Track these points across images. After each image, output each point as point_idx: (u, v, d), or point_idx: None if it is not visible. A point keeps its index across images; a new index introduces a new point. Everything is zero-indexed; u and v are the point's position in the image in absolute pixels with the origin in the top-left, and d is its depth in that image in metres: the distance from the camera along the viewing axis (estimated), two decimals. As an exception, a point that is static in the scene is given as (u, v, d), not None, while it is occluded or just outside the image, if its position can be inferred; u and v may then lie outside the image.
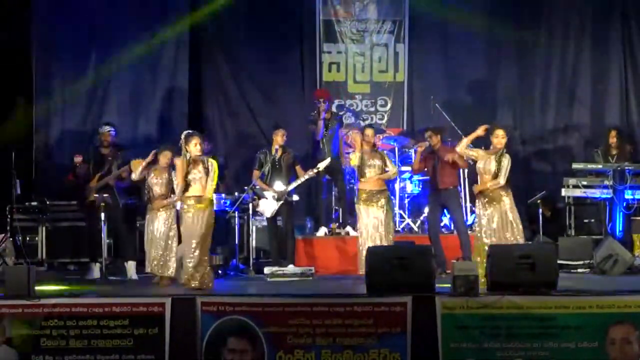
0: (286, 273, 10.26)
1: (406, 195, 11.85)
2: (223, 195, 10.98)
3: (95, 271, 10.44)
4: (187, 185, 9.07)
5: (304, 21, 13.11)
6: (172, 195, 9.76)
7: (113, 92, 12.71)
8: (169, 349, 8.04)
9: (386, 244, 9.75)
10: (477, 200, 9.31)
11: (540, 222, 11.29)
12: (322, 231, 11.47)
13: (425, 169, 10.80)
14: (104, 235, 10.30)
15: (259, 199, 10.70)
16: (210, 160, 9.22)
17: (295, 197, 11.02)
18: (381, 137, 12.48)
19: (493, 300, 7.96)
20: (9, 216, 11.16)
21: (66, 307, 8.18)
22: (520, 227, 9.17)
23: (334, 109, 12.56)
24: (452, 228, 11.05)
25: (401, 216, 11.69)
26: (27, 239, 11.39)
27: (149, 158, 9.96)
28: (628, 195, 11.00)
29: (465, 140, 9.48)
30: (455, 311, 7.95)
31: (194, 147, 9.04)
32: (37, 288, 8.33)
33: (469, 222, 11.08)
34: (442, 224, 11.11)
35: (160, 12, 12.73)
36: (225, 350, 8.05)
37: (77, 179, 10.88)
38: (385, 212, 9.94)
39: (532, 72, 13.05)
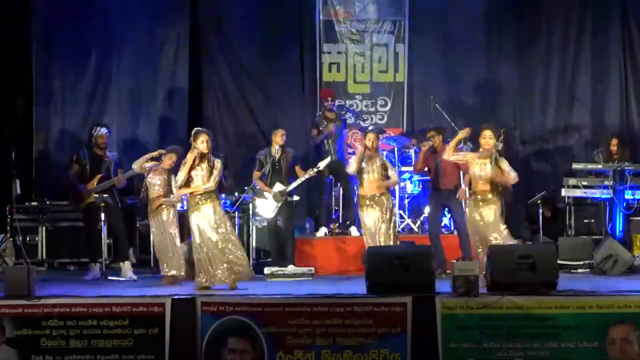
0: (286, 273, 10.27)
1: (406, 195, 11.85)
2: (223, 195, 10.98)
3: (95, 271, 10.43)
4: (188, 181, 9.12)
5: (304, 21, 13.11)
6: (171, 196, 9.80)
7: (113, 92, 12.71)
8: (169, 349, 8.04)
9: (384, 243, 9.69)
10: (467, 201, 9.31)
11: (541, 222, 11.29)
12: (322, 231, 11.47)
13: (427, 169, 10.80)
14: (104, 235, 10.30)
15: (259, 199, 10.69)
16: (217, 160, 9.26)
17: (296, 197, 11.03)
18: (381, 137, 12.48)
19: (493, 301, 7.96)
20: (9, 216, 11.16)
21: (66, 307, 8.17)
22: (503, 232, 9.14)
23: (334, 109, 12.59)
24: (453, 228, 11.06)
25: (401, 216, 11.69)
26: (27, 239, 11.38)
27: (154, 153, 9.95)
28: (628, 195, 11.00)
29: (449, 148, 9.47)
30: (455, 311, 7.95)
31: (201, 143, 9.10)
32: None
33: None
34: (442, 224, 11.11)
35: (160, 12, 12.72)
36: (225, 351, 8.01)
37: (69, 180, 10.83)
38: (389, 213, 9.83)
39: (532, 72, 13.05)
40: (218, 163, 9.20)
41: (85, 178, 10.54)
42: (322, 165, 10.77)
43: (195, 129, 9.32)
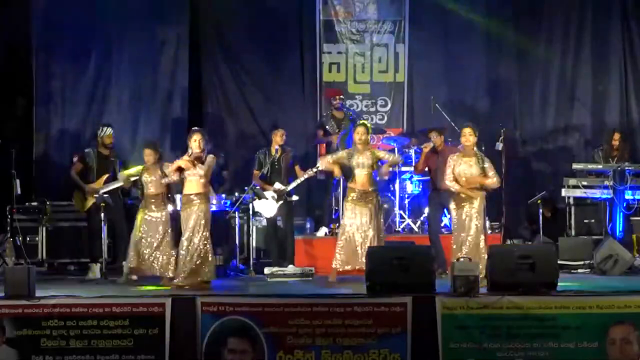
0: (286, 273, 10.26)
1: (406, 195, 11.85)
2: (223, 195, 10.99)
3: (96, 271, 10.43)
4: (183, 182, 9.20)
5: (304, 21, 13.11)
6: (168, 195, 9.85)
7: (113, 92, 12.71)
8: (169, 349, 8.04)
9: (377, 244, 9.68)
10: (452, 200, 9.37)
11: (541, 222, 11.28)
12: (322, 231, 11.47)
13: (428, 169, 10.80)
14: (104, 235, 10.31)
15: (259, 199, 10.69)
16: (209, 155, 9.35)
17: (295, 197, 11.03)
18: (381, 137, 12.49)
19: (493, 301, 7.96)
20: (9, 216, 11.16)
21: (66, 307, 8.17)
22: (483, 229, 9.27)
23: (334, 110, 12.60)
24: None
25: (401, 216, 11.69)
26: (27, 239, 11.38)
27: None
28: (628, 195, 11.00)
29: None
30: (455, 311, 7.95)
31: (193, 142, 9.23)
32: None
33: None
34: (442, 224, 11.12)
35: (160, 12, 12.72)
36: (225, 351, 8.05)
37: (72, 180, 10.85)
38: (375, 211, 9.82)
39: (532, 72, 13.06)
40: (209, 158, 9.30)
41: (90, 177, 10.57)
42: (321, 165, 10.78)
43: (192, 128, 9.44)
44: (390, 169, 10.24)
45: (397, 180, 11.66)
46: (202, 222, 9.18)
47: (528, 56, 13.02)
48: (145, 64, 12.76)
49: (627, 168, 11.02)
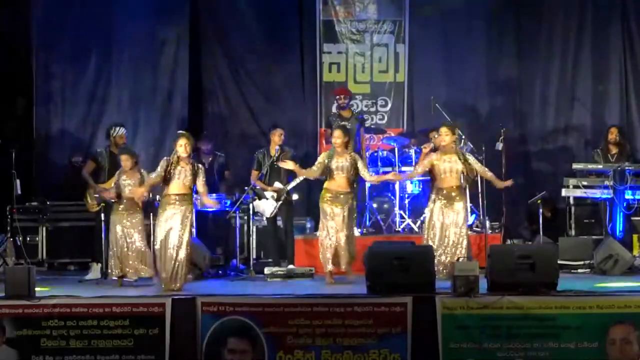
0: (286, 273, 10.26)
1: (406, 195, 11.84)
2: (223, 195, 10.99)
3: (96, 271, 10.43)
4: (168, 182, 9.17)
5: (304, 21, 13.10)
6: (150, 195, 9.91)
7: (113, 92, 12.71)
8: (169, 349, 8.05)
9: (346, 247, 9.70)
10: (434, 197, 9.42)
11: (541, 222, 11.28)
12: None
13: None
14: (104, 235, 10.30)
15: (259, 199, 10.69)
16: (199, 165, 9.44)
17: (295, 197, 11.03)
18: (381, 137, 12.49)
19: (493, 301, 7.97)
20: (9, 216, 11.16)
21: (66, 307, 8.19)
22: (462, 230, 9.41)
23: (334, 109, 12.59)
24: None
25: (401, 216, 11.69)
26: (27, 239, 11.38)
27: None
28: (628, 195, 10.99)
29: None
30: (455, 311, 7.96)
31: (179, 147, 9.21)
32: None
33: (469, 222, 11.09)
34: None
35: (160, 11, 12.72)
36: (225, 351, 8.06)
37: (84, 179, 10.85)
38: (349, 213, 9.79)
39: (532, 72, 13.04)
40: (201, 169, 9.37)
41: (102, 177, 10.58)
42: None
43: (178, 131, 9.47)
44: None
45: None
46: (188, 224, 9.20)
47: (528, 56, 13.01)
48: (145, 64, 12.76)
49: (627, 168, 11.02)
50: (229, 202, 10.88)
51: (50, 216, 11.60)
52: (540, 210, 11.35)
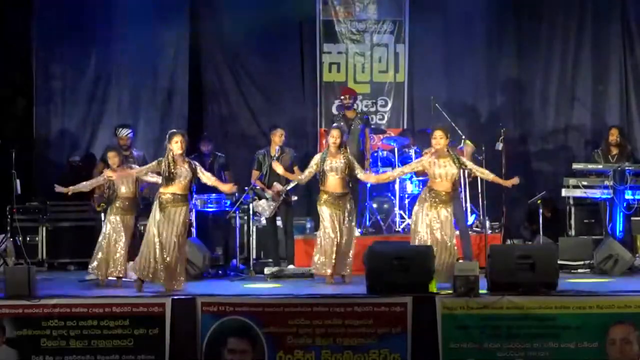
0: (286, 273, 10.26)
1: (406, 195, 11.84)
2: (224, 195, 10.99)
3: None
4: (168, 182, 9.15)
5: (304, 21, 13.10)
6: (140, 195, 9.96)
7: (113, 92, 12.71)
8: (169, 350, 8.06)
9: (347, 248, 9.70)
10: (424, 199, 9.30)
11: (541, 222, 11.28)
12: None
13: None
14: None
15: (259, 199, 10.69)
16: (195, 162, 9.42)
17: (294, 197, 11.03)
18: (381, 137, 12.49)
19: (493, 301, 7.97)
20: (9, 216, 11.16)
21: (66, 307, 8.19)
22: (453, 233, 9.31)
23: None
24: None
25: (401, 216, 11.69)
26: (27, 239, 11.38)
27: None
28: (628, 195, 10.99)
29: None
30: (455, 311, 7.96)
31: (175, 144, 9.18)
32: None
33: (469, 223, 11.10)
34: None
35: (160, 12, 12.71)
36: (225, 351, 8.07)
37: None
38: (346, 215, 9.76)
39: (532, 72, 13.04)
40: (198, 165, 9.37)
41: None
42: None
43: (170, 131, 9.44)
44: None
45: (397, 180, 11.64)
46: (185, 224, 9.21)
47: (528, 56, 13.01)
48: (146, 64, 12.76)
49: (627, 168, 11.02)
50: (229, 202, 10.88)
51: (50, 216, 11.60)
52: (540, 210, 11.35)
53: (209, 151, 11.59)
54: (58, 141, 12.65)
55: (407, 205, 11.83)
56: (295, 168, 10.90)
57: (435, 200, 9.18)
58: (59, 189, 9.94)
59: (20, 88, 12.58)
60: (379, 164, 11.87)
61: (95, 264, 9.68)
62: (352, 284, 9.36)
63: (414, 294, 8.05)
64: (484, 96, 13.05)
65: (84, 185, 10.00)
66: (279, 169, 10.16)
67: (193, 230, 10.63)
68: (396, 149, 11.91)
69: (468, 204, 11.42)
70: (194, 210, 10.53)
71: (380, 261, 8.40)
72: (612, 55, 12.93)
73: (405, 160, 11.96)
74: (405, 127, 12.94)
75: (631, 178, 10.98)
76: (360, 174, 9.95)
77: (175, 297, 8.28)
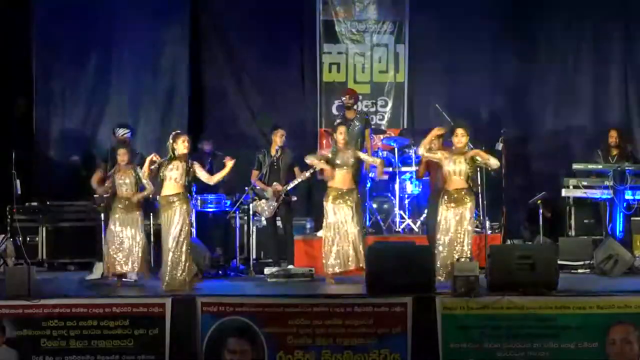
0: (286, 273, 10.26)
1: (406, 195, 11.84)
2: (224, 195, 10.99)
3: (98, 271, 10.43)
4: (162, 183, 9.20)
5: (304, 21, 13.10)
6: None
7: (113, 93, 12.70)
8: (169, 350, 8.07)
9: (359, 243, 9.67)
10: (440, 199, 9.33)
11: (541, 222, 11.28)
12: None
13: (428, 171, 10.78)
14: (104, 235, 10.30)
15: (259, 199, 10.70)
16: (194, 162, 9.43)
17: (294, 198, 11.02)
18: (381, 137, 12.48)
19: (493, 301, 7.98)
20: (9, 216, 11.16)
21: (66, 308, 8.20)
22: (471, 232, 9.29)
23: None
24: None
25: (401, 216, 11.69)
26: (28, 239, 11.38)
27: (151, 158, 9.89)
28: (628, 195, 10.99)
29: (425, 142, 9.56)
30: (455, 311, 7.97)
31: (182, 143, 9.24)
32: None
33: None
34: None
35: (160, 12, 12.71)
36: (225, 351, 8.06)
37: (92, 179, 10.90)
38: (355, 210, 9.82)
39: (532, 72, 13.04)
40: (196, 164, 9.39)
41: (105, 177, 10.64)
42: (319, 165, 10.79)
43: (175, 131, 9.51)
44: (384, 168, 10.45)
45: (397, 181, 11.65)
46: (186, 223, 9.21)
47: (528, 56, 13.00)
48: (145, 64, 12.75)
49: (627, 168, 11.02)
50: (229, 202, 10.87)
51: (50, 216, 11.59)
52: (540, 211, 11.35)
53: (209, 151, 11.59)
54: (58, 141, 12.64)
55: (407, 206, 11.83)
56: (296, 168, 10.91)
57: (452, 201, 9.22)
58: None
59: (20, 88, 12.57)
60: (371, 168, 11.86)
61: (104, 263, 9.71)
62: (352, 284, 9.36)
63: (414, 294, 8.05)
64: (484, 96, 13.04)
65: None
66: (320, 164, 10.06)
67: (193, 230, 10.63)
68: (396, 149, 11.91)
69: (474, 206, 11.38)
70: (194, 210, 10.52)
71: (380, 261, 8.40)
72: (612, 55, 12.92)
73: (405, 160, 11.97)
74: (405, 127, 12.94)
75: (631, 178, 10.98)
76: (373, 159, 10.10)
77: (175, 297, 8.29)
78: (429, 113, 12.23)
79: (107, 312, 8.15)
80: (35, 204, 11.65)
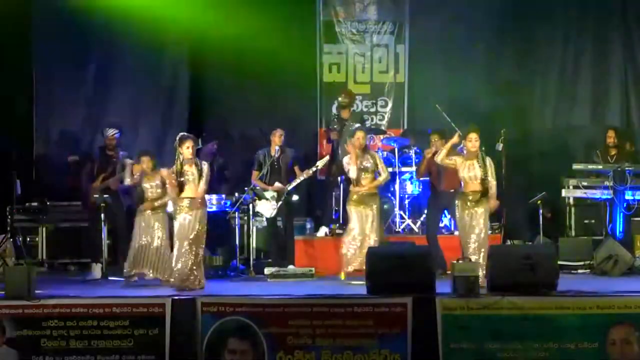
0: (286, 273, 10.27)
1: (406, 195, 11.84)
2: (223, 195, 11.00)
3: (96, 272, 10.44)
4: (180, 187, 9.17)
5: (304, 21, 13.10)
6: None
7: (113, 93, 12.71)
8: (169, 350, 8.06)
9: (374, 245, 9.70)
10: (458, 202, 9.36)
11: (541, 222, 11.28)
12: (322, 231, 11.46)
13: (428, 172, 10.79)
14: (104, 235, 10.31)
15: (259, 199, 10.70)
16: (204, 162, 9.40)
17: (295, 197, 11.03)
18: (381, 137, 12.49)
19: (493, 301, 7.97)
20: (9, 216, 11.17)
21: (66, 308, 8.19)
22: (487, 232, 9.31)
23: (334, 110, 12.59)
24: (453, 229, 11.06)
25: (401, 217, 11.69)
26: (27, 239, 11.38)
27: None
28: (628, 195, 11.00)
29: (444, 151, 9.57)
30: (455, 312, 7.96)
31: (186, 149, 9.21)
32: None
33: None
34: (442, 225, 11.14)
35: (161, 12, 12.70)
36: (225, 351, 8.07)
37: (81, 179, 10.91)
38: (376, 214, 9.92)
39: (532, 72, 13.04)
40: (205, 166, 9.33)
41: (92, 176, 10.64)
42: (320, 164, 10.81)
43: (180, 134, 9.45)
44: None
45: (397, 181, 11.65)
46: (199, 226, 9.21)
47: (528, 57, 13.01)
48: (146, 65, 12.75)
49: (627, 168, 11.03)
50: (229, 203, 10.88)
51: (50, 216, 11.61)
52: (540, 211, 11.35)
53: (209, 151, 11.59)
54: (58, 141, 12.65)
55: (407, 206, 11.84)
56: (296, 168, 10.91)
57: (469, 202, 9.25)
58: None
59: (20, 88, 12.58)
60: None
61: (129, 262, 9.78)
62: (352, 284, 9.35)
63: (414, 294, 8.04)
64: (484, 96, 13.04)
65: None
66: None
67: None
68: (396, 150, 11.91)
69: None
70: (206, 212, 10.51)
71: (380, 261, 8.40)
72: (612, 56, 12.93)
73: (405, 160, 11.97)
74: (405, 127, 12.94)
75: (631, 178, 10.99)
76: (382, 173, 10.07)
77: (175, 298, 8.28)
78: (429, 113, 12.22)
79: (107, 312, 8.15)
80: (35, 204, 11.66)
